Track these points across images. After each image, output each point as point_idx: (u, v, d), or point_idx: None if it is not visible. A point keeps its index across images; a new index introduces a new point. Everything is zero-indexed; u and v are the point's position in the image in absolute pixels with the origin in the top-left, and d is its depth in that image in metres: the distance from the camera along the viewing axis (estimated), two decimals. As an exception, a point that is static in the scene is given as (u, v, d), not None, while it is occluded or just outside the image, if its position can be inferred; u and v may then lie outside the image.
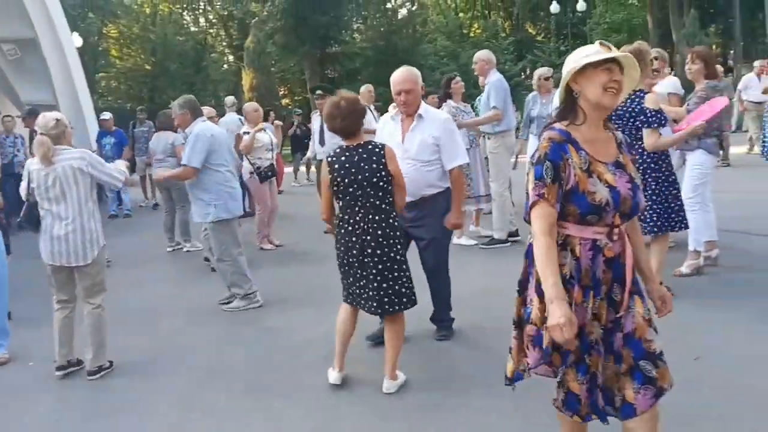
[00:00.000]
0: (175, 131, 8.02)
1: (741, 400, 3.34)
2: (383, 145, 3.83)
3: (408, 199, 4.30)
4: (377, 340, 4.43)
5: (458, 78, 7.72)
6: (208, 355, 4.69)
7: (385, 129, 4.55)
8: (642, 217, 4.60)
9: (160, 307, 5.83)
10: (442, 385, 3.83)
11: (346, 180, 3.72)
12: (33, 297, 5.64)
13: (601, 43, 2.30)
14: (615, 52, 2.27)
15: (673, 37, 31.15)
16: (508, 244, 7.11)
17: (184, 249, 8.46)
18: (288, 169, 15.23)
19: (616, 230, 2.28)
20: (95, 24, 31.46)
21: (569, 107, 2.32)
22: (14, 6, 11.94)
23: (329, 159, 3.78)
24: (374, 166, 3.72)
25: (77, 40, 18.34)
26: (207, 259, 7.17)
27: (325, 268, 6.26)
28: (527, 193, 2.26)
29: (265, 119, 10.31)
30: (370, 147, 3.78)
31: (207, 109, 7.13)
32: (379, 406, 3.64)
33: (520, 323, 2.41)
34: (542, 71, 8.27)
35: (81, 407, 4.05)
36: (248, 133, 7.97)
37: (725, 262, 5.50)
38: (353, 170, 3.71)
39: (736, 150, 12.29)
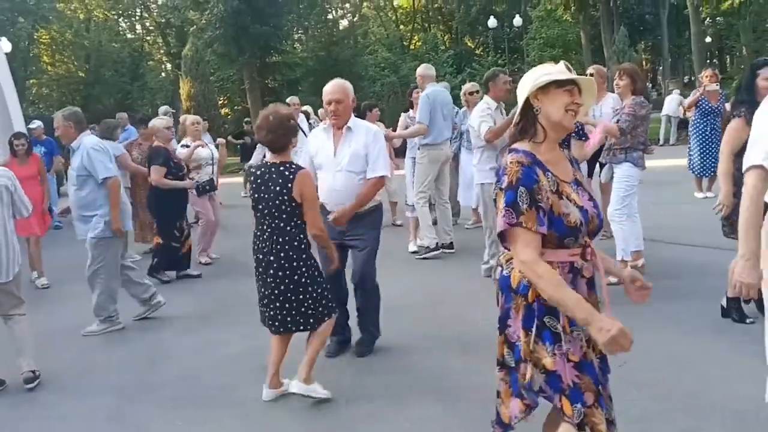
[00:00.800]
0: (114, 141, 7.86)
1: (669, 402, 3.46)
2: (297, 169, 3.71)
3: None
4: (334, 355, 4.47)
5: (419, 89, 7.97)
6: (139, 370, 4.59)
7: (316, 141, 4.49)
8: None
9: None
10: (377, 395, 3.85)
11: (256, 196, 3.71)
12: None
13: (565, 65, 2.24)
14: (577, 75, 2.22)
15: (605, 53, 32.27)
16: (438, 251, 7.18)
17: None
18: (239, 180, 15.21)
19: (588, 249, 2.22)
20: (25, 29, 30.43)
21: (530, 124, 2.23)
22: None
23: (249, 171, 3.73)
24: (278, 188, 3.63)
25: (6, 46, 17.70)
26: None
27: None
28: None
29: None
30: (282, 168, 3.68)
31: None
32: (309, 419, 3.63)
33: (504, 364, 2.28)
34: (468, 87, 8.49)
35: (9, 427, 3.90)
36: (187, 146, 7.82)
37: (651, 271, 5.72)
38: (262, 188, 3.69)
39: (674, 162, 12.71)
